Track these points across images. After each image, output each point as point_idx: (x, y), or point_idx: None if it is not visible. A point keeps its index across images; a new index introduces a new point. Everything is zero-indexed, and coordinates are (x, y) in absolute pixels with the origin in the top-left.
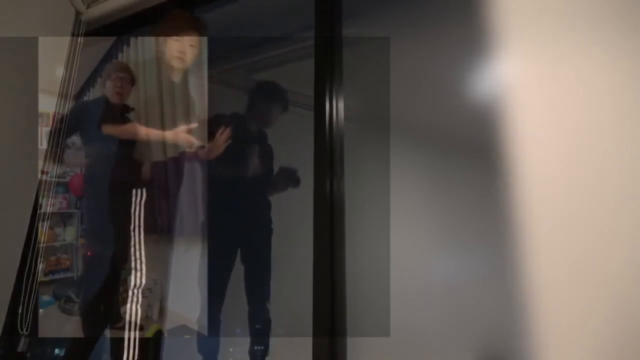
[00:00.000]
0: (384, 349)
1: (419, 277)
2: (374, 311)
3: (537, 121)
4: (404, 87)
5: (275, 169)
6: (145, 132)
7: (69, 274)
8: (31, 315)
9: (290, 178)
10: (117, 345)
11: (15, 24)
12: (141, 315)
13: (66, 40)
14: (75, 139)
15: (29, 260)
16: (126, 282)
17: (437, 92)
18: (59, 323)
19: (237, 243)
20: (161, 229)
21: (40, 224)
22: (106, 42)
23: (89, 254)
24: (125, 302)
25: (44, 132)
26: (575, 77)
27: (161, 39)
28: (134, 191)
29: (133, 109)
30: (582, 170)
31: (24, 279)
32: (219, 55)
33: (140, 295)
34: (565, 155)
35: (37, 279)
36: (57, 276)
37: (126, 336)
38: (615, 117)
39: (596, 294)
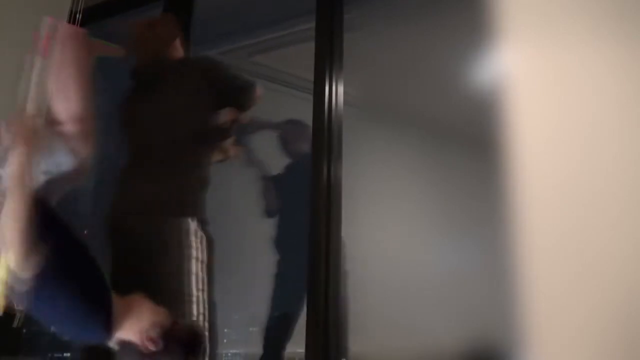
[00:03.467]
0: (378, 335)
1: (415, 264)
2: (367, 297)
3: (537, 111)
4: (405, 74)
5: None
6: None
7: None
8: None
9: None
10: None
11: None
12: None
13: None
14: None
15: None
16: None
17: (438, 80)
18: None
19: None
20: None
21: None
22: None
23: None
24: None
25: None
26: (577, 67)
27: None
28: None
29: None
30: (582, 162)
31: None
32: (219, 37)
33: None
34: (565, 146)
35: None
36: None
37: None
38: (618, 108)
39: (594, 286)
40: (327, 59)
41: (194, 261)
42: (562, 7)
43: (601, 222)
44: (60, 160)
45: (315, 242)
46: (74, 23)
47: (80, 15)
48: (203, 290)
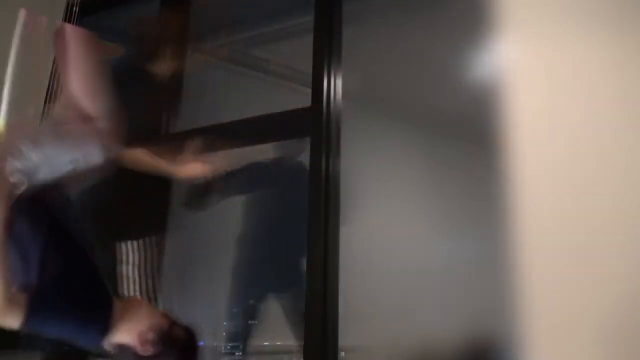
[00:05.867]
0: (376, 329)
1: (414, 259)
2: (366, 293)
3: (535, 106)
4: (404, 68)
5: None
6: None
7: None
8: None
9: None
10: None
11: None
12: None
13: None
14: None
15: None
16: None
17: (437, 74)
18: None
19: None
20: None
21: None
22: None
23: None
24: None
25: None
26: (576, 61)
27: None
28: None
29: None
30: (580, 156)
31: None
32: (215, 30)
33: None
34: (564, 141)
35: None
36: None
37: None
38: (617, 102)
39: (591, 281)
40: (326, 52)
41: (123, 266)
42: (561, 1)
43: (599, 217)
44: (89, 153)
45: (314, 236)
46: (71, 16)
47: (77, 8)
48: (139, 291)
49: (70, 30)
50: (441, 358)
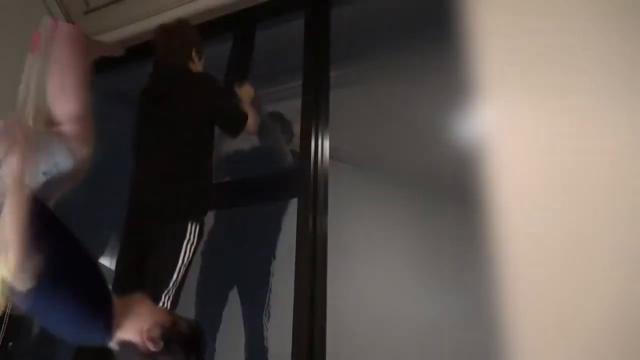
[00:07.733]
0: None
1: (400, 316)
2: (354, 351)
3: (517, 164)
4: (389, 130)
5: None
6: None
7: None
8: None
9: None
10: None
11: None
12: None
13: None
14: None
15: None
16: None
17: (421, 135)
18: None
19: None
20: None
21: None
22: None
23: None
24: None
25: None
26: (555, 122)
27: None
28: None
29: None
30: (563, 212)
31: None
32: None
33: None
34: (545, 199)
35: None
36: None
37: None
38: (597, 163)
39: (578, 334)
40: (313, 115)
41: (182, 253)
42: (541, 63)
43: (582, 269)
44: (59, 161)
45: (300, 297)
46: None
47: None
48: (181, 273)
49: (60, 27)
50: None
